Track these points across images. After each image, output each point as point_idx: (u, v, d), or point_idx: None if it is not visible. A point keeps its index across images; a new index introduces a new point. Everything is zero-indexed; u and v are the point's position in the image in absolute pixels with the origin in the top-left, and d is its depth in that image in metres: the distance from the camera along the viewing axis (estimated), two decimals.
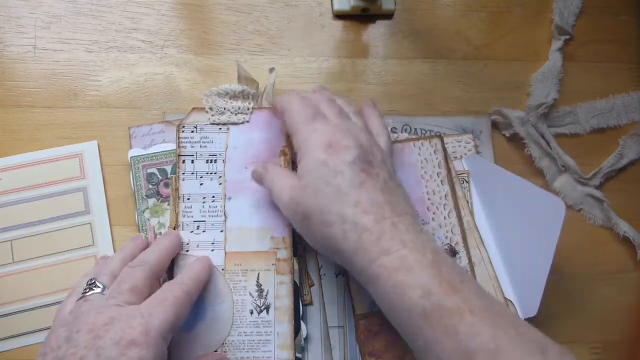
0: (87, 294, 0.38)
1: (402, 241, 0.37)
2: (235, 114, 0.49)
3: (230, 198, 0.47)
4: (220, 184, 0.47)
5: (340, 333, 0.48)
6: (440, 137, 0.53)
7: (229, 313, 0.44)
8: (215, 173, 0.47)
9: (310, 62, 0.56)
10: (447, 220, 0.50)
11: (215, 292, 0.44)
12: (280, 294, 0.45)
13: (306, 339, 0.47)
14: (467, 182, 0.52)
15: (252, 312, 0.44)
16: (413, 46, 0.58)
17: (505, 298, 0.49)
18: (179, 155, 0.48)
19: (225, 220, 0.46)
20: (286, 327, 0.44)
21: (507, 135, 0.55)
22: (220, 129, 0.49)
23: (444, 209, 0.50)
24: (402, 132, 0.54)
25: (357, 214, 0.37)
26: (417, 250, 0.37)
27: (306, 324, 0.47)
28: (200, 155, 0.48)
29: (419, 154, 0.52)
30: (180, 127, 0.48)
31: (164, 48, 0.55)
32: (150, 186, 0.50)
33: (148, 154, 0.50)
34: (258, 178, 0.45)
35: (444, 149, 0.52)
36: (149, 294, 0.38)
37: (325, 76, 0.56)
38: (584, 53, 0.59)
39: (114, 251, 0.50)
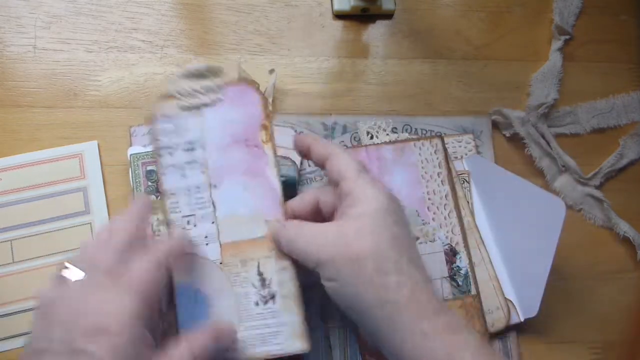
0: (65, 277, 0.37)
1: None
2: (206, 94, 0.45)
3: (215, 186, 0.44)
4: (203, 172, 0.44)
5: (341, 333, 0.48)
6: (441, 137, 0.53)
7: (233, 309, 0.41)
8: (196, 161, 0.44)
9: (310, 62, 0.56)
10: (447, 220, 0.50)
11: (214, 288, 0.42)
12: (284, 280, 0.42)
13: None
14: (468, 182, 0.52)
15: (257, 304, 0.41)
16: (413, 46, 0.58)
17: (505, 298, 0.49)
18: (156, 149, 0.44)
19: (214, 211, 0.43)
20: (295, 315, 0.41)
21: (508, 135, 0.55)
22: (192, 112, 0.45)
23: (445, 209, 0.50)
24: (402, 132, 0.54)
25: (412, 267, 0.37)
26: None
27: None
28: (177, 145, 0.44)
29: (419, 154, 0.52)
30: (152, 120, 0.44)
31: (164, 48, 0.55)
32: (150, 183, 0.50)
33: (148, 151, 0.50)
34: (275, 236, 0.42)
35: (445, 149, 0.52)
36: (129, 267, 0.36)
37: (325, 76, 0.56)
38: (584, 53, 0.59)
39: None
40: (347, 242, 0.36)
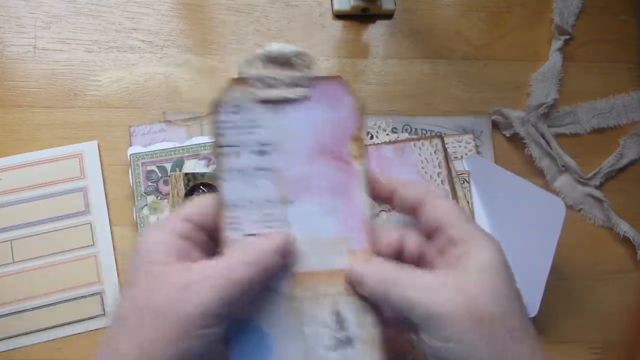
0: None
1: None
2: (291, 87, 0.36)
3: (292, 201, 0.35)
4: (277, 183, 0.35)
5: None
6: (441, 137, 0.53)
7: (300, 353, 0.34)
8: (269, 169, 0.35)
9: None
10: None
11: (279, 326, 0.34)
12: (365, 323, 0.34)
13: None
14: (468, 182, 0.52)
15: (330, 349, 0.34)
16: (413, 46, 0.58)
17: None
18: (218, 147, 0.35)
19: (288, 231, 0.35)
20: None
21: (508, 135, 0.55)
22: (271, 107, 0.36)
23: None
24: (402, 132, 0.54)
25: (530, 325, 0.32)
26: None
27: None
28: (247, 145, 0.35)
29: (419, 154, 0.52)
30: (216, 108, 0.35)
31: (164, 48, 0.55)
32: (150, 183, 0.50)
33: (148, 151, 0.50)
34: (361, 275, 0.34)
35: (445, 149, 0.52)
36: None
37: None
38: (584, 53, 0.59)
39: (114, 251, 0.50)
40: (471, 298, 0.31)
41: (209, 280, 0.29)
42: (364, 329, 0.34)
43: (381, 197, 0.36)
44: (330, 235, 0.35)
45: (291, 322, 0.34)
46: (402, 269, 0.33)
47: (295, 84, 0.35)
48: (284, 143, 0.35)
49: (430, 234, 0.34)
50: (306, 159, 0.36)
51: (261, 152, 0.35)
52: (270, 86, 0.36)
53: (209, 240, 0.33)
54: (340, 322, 0.34)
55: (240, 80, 0.36)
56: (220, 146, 0.35)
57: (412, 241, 0.35)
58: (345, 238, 0.35)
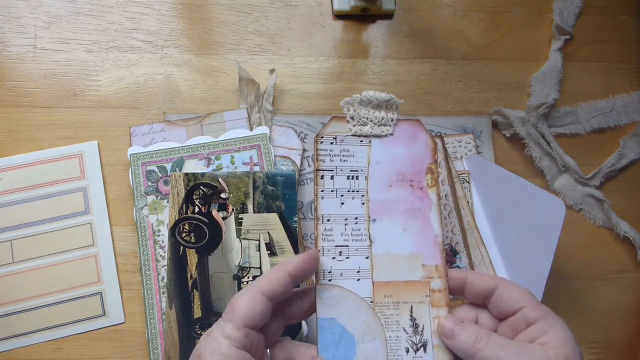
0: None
1: None
2: (379, 126, 0.43)
3: (374, 220, 0.41)
4: (364, 203, 0.42)
5: None
6: (441, 137, 0.53)
7: (382, 352, 0.38)
8: (358, 191, 0.42)
9: (310, 62, 0.56)
10: (447, 220, 0.50)
11: (364, 327, 0.39)
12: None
13: (307, 337, 0.47)
14: (468, 182, 0.52)
15: (407, 351, 0.38)
16: (413, 46, 0.58)
17: None
18: (318, 170, 0.42)
19: (370, 246, 0.41)
20: None
21: (508, 135, 0.55)
22: (361, 141, 0.43)
23: (445, 209, 0.50)
24: None
25: None
26: None
27: (306, 324, 0.47)
28: (341, 170, 0.42)
29: None
30: (318, 138, 0.43)
31: (164, 48, 0.55)
32: (150, 183, 0.50)
33: (148, 151, 0.50)
34: (448, 334, 0.38)
35: (445, 149, 0.52)
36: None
37: (325, 76, 0.56)
38: (584, 53, 0.59)
39: (114, 251, 0.50)
40: None
41: None
42: (437, 335, 0.38)
43: (452, 289, 0.40)
44: (406, 250, 0.41)
45: (373, 325, 0.39)
46: (490, 334, 0.37)
47: (382, 123, 0.43)
48: (370, 170, 0.42)
49: (503, 316, 0.38)
50: (388, 185, 0.42)
51: (352, 177, 0.42)
52: (363, 124, 0.43)
53: (265, 337, 0.36)
54: (415, 327, 0.39)
55: (339, 117, 0.43)
56: (320, 170, 0.42)
57: (485, 319, 0.39)
58: (419, 254, 0.41)
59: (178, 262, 0.47)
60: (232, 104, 0.54)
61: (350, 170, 0.42)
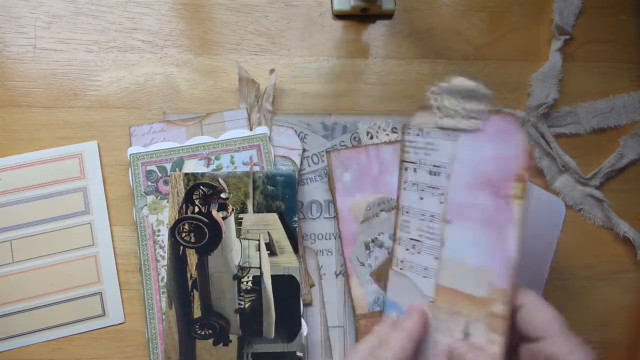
0: None
1: None
2: (466, 119, 0.39)
3: (450, 221, 0.39)
4: (442, 202, 0.39)
5: (340, 333, 0.48)
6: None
7: (428, 349, 0.38)
8: (438, 188, 0.40)
9: (310, 62, 0.56)
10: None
11: None
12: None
13: (306, 337, 0.47)
14: None
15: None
16: (413, 46, 0.58)
17: None
18: (402, 161, 0.41)
19: (441, 247, 0.39)
20: None
21: None
22: (448, 135, 0.39)
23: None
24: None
25: None
26: None
27: (306, 324, 0.47)
28: (424, 164, 0.40)
29: None
30: (405, 129, 0.41)
31: (164, 48, 0.55)
32: (150, 183, 0.50)
33: (148, 151, 0.50)
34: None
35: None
36: None
37: (325, 76, 0.56)
38: (584, 53, 0.59)
39: (114, 251, 0.50)
40: None
41: None
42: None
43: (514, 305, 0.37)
44: (476, 263, 0.38)
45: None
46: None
47: (470, 116, 0.39)
48: (453, 168, 0.39)
49: (525, 337, 0.36)
50: (469, 187, 0.39)
51: (434, 173, 0.40)
52: (449, 116, 0.39)
53: None
54: (467, 338, 0.37)
55: (426, 107, 0.40)
56: (404, 161, 0.41)
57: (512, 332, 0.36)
58: (488, 270, 0.37)
59: (178, 262, 0.47)
60: (232, 104, 0.54)
61: (433, 166, 0.40)
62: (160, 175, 0.50)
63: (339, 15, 0.58)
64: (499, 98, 0.57)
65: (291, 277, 0.46)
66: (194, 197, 0.48)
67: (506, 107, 0.55)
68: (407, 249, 0.40)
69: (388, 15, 0.58)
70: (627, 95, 0.58)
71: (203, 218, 0.48)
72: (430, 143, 0.40)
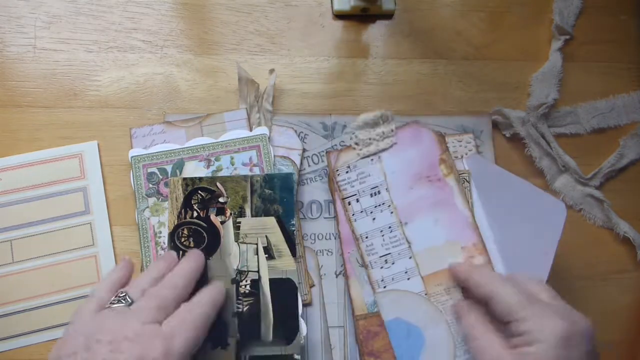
0: (114, 305, 0.38)
1: None
2: (382, 140, 0.48)
3: (406, 223, 0.46)
4: (392, 212, 0.46)
5: (340, 333, 0.48)
6: (443, 136, 0.53)
7: (446, 333, 0.44)
8: (383, 203, 0.47)
9: (310, 62, 0.56)
10: None
11: (426, 318, 0.44)
12: None
13: (306, 337, 0.47)
14: (468, 182, 0.52)
15: None
16: (413, 46, 0.58)
17: None
18: (343, 199, 0.47)
19: (409, 247, 0.46)
20: None
21: (508, 135, 0.55)
22: (372, 160, 0.48)
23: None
24: None
25: None
26: None
27: (306, 324, 0.47)
28: (363, 191, 0.47)
29: None
30: (334, 172, 0.48)
31: (164, 48, 0.55)
32: (151, 185, 0.50)
33: (149, 153, 0.50)
34: (457, 311, 0.43)
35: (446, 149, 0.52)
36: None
37: (325, 76, 0.56)
38: (584, 53, 0.59)
39: (114, 251, 0.50)
40: None
41: None
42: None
43: (459, 282, 0.45)
44: (443, 240, 0.45)
45: (433, 313, 0.44)
46: (484, 329, 0.40)
47: (384, 137, 0.48)
48: (388, 181, 0.47)
49: (481, 301, 0.41)
50: (409, 187, 0.47)
51: (374, 193, 0.47)
52: (367, 144, 0.48)
53: None
54: None
55: (346, 147, 0.49)
56: (345, 198, 0.47)
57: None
58: (455, 239, 0.45)
59: None
60: (232, 104, 0.54)
61: (371, 188, 0.47)
62: (161, 177, 0.50)
63: (339, 15, 0.58)
64: (499, 98, 0.57)
65: (289, 280, 0.46)
66: (193, 202, 0.48)
67: (506, 107, 0.55)
68: (382, 267, 0.46)
69: (388, 15, 0.58)
70: (627, 95, 0.58)
71: (202, 223, 0.48)
72: (361, 172, 0.48)
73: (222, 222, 0.48)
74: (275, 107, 0.54)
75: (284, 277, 0.46)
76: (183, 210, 0.48)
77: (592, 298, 0.53)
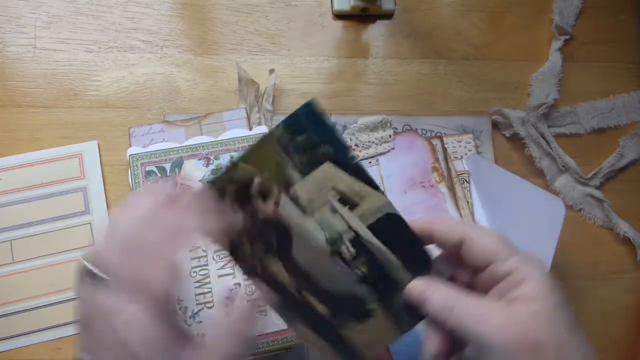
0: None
1: None
2: (380, 144, 0.50)
3: None
4: None
5: None
6: (441, 137, 0.53)
7: None
8: None
9: (310, 62, 0.56)
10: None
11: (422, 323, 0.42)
12: None
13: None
14: (468, 182, 0.52)
15: None
16: (413, 46, 0.58)
17: None
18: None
19: None
20: None
21: (508, 135, 0.55)
22: (370, 162, 0.50)
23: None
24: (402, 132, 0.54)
25: (589, 352, 0.34)
26: None
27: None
28: None
29: None
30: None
31: (164, 48, 0.55)
32: (149, 183, 0.50)
33: (147, 152, 0.50)
34: (425, 296, 0.36)
35: (445, 149, 0.52)
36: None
37: (325, 76, 0.56)
38: (584, 53, 0.59)
39: None
40: (524, 329, 0.32)
41: None
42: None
43: (422, 237, 0.38)
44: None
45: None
46: (462, 296, 0.34)
47: (383, 141, 0.51)
48: (385, 184, 0.50)
49: (475, 270, 0.35)
50: (404, 192, 0.49)
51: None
52: (367, 147, 0.50)
53: None
54: None
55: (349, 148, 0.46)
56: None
57: (462, 272, 0.36)
58: None
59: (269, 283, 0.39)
60: (232, 104, 0.54)
61: None
62: (159, 175, 0.50)
63: (339, 15, 0.58)
64: (499, 98, 0.57)
65: (389, 215, 0.39)
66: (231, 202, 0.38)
67: (506, 107, 0.55)
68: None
69: (388, 15, 0.58)
70: (627, 95, 0.58)
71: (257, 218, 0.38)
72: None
73: (277, 204, 0.39)
74: (275, 107, 0.54)
75: (380, 215, 0.39)
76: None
77: (592, 298, 0.53)
